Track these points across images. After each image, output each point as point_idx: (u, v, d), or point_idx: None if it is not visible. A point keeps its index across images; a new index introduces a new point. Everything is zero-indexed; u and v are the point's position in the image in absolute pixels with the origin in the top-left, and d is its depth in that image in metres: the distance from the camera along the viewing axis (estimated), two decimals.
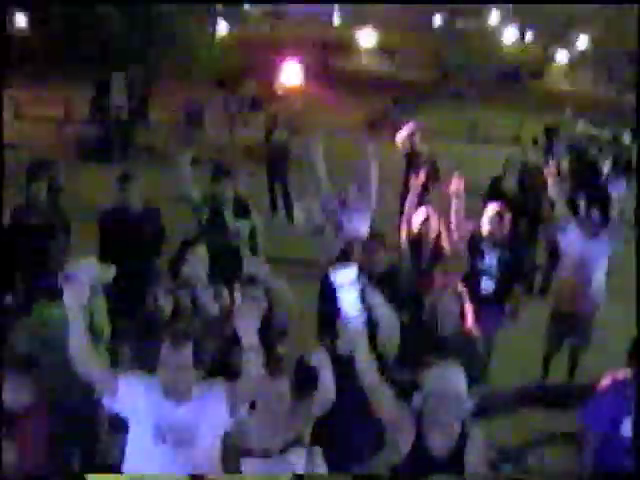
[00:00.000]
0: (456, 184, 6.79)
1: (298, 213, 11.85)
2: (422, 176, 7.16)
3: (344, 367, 4.17)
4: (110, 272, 4.74)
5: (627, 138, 18.20)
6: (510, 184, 9.55)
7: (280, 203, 12.77)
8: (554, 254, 9.27)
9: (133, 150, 17.12)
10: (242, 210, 7.03)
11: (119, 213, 6.82)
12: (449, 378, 3.61)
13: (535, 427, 6.89)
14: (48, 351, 4.70)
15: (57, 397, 4.58)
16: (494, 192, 9.69)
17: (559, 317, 7.35)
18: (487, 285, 6.76)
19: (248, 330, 3.61)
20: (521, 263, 7.59)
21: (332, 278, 3.66)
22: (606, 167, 11.43)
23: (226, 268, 6.32)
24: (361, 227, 7.17)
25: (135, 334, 5.07)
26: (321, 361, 4.33)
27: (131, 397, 3.68)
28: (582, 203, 8.25)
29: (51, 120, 19.66)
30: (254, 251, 6.99)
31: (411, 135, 10.74)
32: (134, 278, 5.81)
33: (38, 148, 14.94)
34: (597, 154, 12.59)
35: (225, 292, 5.29)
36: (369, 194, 7.25)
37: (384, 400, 3.77)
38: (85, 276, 3.72)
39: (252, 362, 3.60)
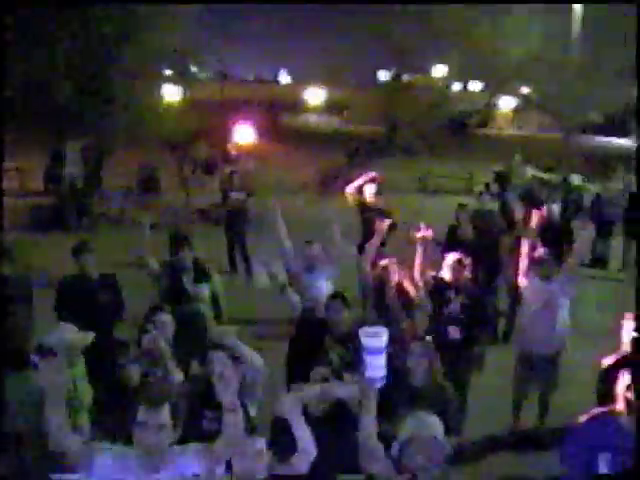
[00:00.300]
0: (423, 232, 6.92)
1: (260, 275, 11.88)
2: (386, 222, 7.27)
3: (327, 424, 4.20)
4: (88, 338, 4.75)
5: (576, 180, 18.57)
6: (466, 232, 9.71)
7: (240, 264, 12.76)
8: (515, 298, 9.38)
9: (88, 218, 17.01)
10: (202, 275, 7.02)
11: (77, 282, 6.80)
12: (425, 426, 3.69)
13: (508, 473, 6.86)
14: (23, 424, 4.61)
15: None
16: (452, 240, 9.85)
17: (525, 361, 7.40)
18: (453, 332, 6.79)
19: (228, 392, 3.64)
20: (484, 309, 7.66)
21: (362, 342, 3.64)
22: (557, 211, 11.64)
23: (190, 334, 6.31)
24: (324, 286, 7.18)
25: (105, 403, 4.98)
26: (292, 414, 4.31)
27: (106, 470, 3.62)
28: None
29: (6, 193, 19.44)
30: (217, 315, 6.97)
31: (364, 186, 10.82)
32: (96, 346, 5.72)
33: None
34: (550, 199, 12.83)
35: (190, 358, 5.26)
36: (331, 252, 7.28)
37: (378, 455, 3.78)
38: (62, 345, 3.71)
39: (232, 423, 3.64)
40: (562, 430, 7.12)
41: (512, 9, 23.59)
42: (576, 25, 27.65)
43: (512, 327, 9.95)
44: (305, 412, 4.29)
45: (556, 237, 8.09)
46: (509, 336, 9.95)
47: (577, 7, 27.46)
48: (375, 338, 3.61)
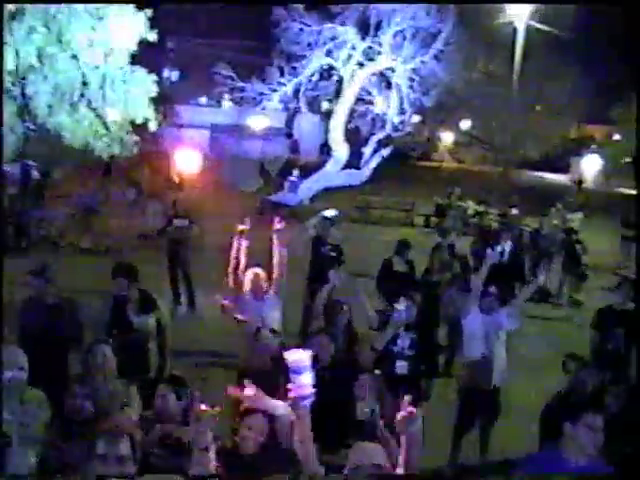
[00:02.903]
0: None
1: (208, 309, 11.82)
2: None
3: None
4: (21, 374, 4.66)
5: (515, 212, 18.92)
6: (402, 266, 9.86)
7: (183, 294, 12.60)
8: (455, 333, 9.51)
9: (27, 240, 16.67)
10: (147, 305, 6.94)
11: (36, 306, 6.61)
12: (369, 454, 3.82)
13: None
14: None
15: None
16: (387, 273, 9.99)
17: (466, 394, 7.48)
18: (401, 367, 6.83)
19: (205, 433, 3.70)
20: (433, 344, 7.75)
21: (287, 360, 3.70)
22: (507, 246, 11.86)
23: (134, 365, 6.24)
24: (276, 318, 7.19)
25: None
26: None
27: None
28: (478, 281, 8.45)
29: None
30: (161, 345, 6.89)
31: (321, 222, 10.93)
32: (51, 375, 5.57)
33: None
34: (497, 233, 13.13)
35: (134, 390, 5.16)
36: (280, 284, 7.26)
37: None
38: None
39: (205, 462, 3.67)
40: (502, 464, 7.30)
41: (456, 44, 24.05)
42: (516, 61, 28.31)
43: (452, 362, 10.10)
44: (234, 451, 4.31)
45: (507, 274, 8.24)
46: (449, 370, 10.08)
47: (519, 43, 28.16)
48: (298, 355, 3.71)
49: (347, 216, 22.25)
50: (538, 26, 29.26)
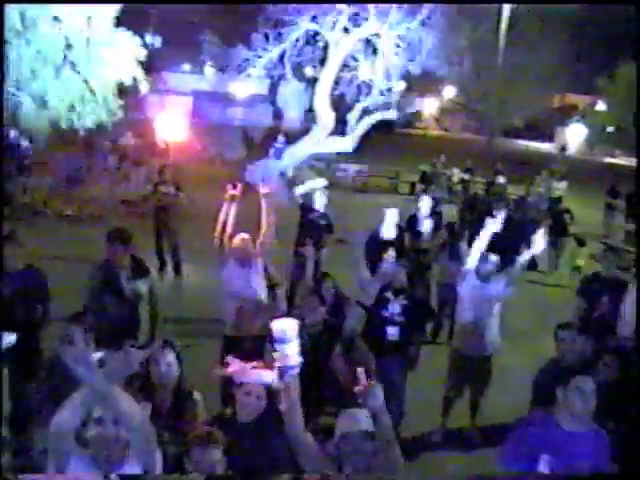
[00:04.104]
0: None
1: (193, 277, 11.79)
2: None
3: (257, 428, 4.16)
4: (10, 338, 4.61)
5: (501, 180, 18.91)
6: (391, 233, 9.84)
7: (168, 262, 12.54)
8: (448, 299, 9.53)
9: (10, 208, 16.50)
10: (140, 271, 6.88)
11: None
12: (357, 420, 3.84)
13: (438, 472, 6.94)
14: None
15: None
16: (374, 241, 9.97)
17: (458, 361, 7.50)
18: (392, 332, 6.84)
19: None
20: (425, 310, 7.75)
21: (273, 329, 3.66)
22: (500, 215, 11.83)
23: (124, 331, 6.20)
24: (261, 285, 7.16)
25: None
26: None
27: None
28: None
29: None
30: (153, 312, 6.85)
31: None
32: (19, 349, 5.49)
33: None
34: (489, 203, 13.11)
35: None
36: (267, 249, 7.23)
37: (309, 449, 3.84)
38: None
39: None
40: (492, 431, 7.35)
41: (442, 12, 23.85)
42: (502, 30, 28.21)
43: (441, 326, 10.15)
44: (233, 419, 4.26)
45: (502, 242, 8.20)
46: (437, 336, 10.14)
47: (505, 12, 28.03)
48: (285, 324, 3.67)
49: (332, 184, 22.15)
50: None
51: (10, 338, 4.75)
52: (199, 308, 9.94)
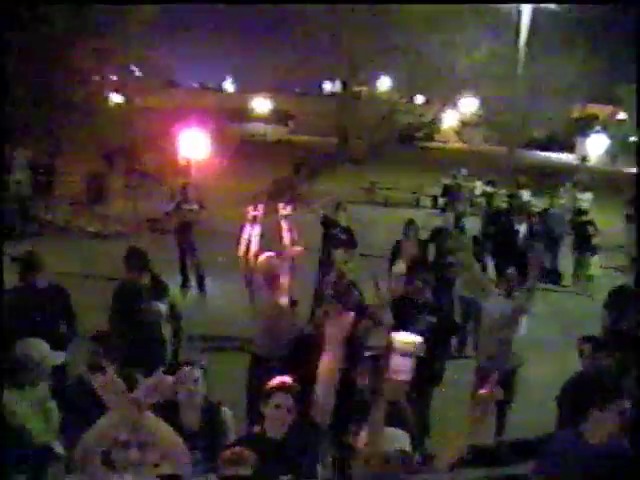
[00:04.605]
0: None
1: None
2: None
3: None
4: (59, 357, 4.68)
5: (525, 196, 18.83)
6: (413, 248, 9.82)
7: (192, 279, 12.60)
8: (471, 313, 9.50)
9: (33, 225, 16.66)
10: (159, 291, 6.91)
11: (24, 292, 6.53)
12: (391, 440, 3.80)
13: None
14: None
15: None
16: (398, 255, 9.97)
17: (483, 375, 7.44)
18: (420, 349, 6.79)
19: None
20: (449, 324, 7.72)
21: (394, 344, 3.67)
22: (522, 229, 11.83)
23: (149, 351, 6.23)
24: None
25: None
26: None
27: None
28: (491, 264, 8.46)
29: None
30: (177, 331, 6.88)
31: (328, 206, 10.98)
32: None
33: None
34: (511, 216, 13.05)
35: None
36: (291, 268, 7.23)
37: None
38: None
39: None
40: (518, 445, 7.25)
41: (461, 25, 23.88)
42: (522, 42, 28.11)
43: (465, 341, 10.10)
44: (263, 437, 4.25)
45: (521, 256, 8.20)
46: (462, 350, 10.08)
47: (524, 23, 27.95)
48: (406, 339, 3.67)
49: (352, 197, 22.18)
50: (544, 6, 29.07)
51: (58, 356, 4.82)
52: (223, 324, 9.96)
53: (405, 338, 3.69)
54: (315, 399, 4.15)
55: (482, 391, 3.78)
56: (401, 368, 3.66)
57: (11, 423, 4.46)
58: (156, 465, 3.13)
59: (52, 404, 4.89)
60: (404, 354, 3.68)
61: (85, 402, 4.68)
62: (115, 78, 23.88)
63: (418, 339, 3.73)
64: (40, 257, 6.70)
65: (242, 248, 6.97)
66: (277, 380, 4.35)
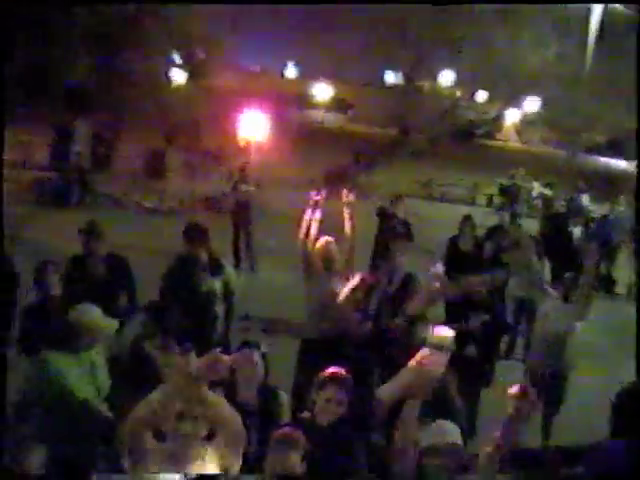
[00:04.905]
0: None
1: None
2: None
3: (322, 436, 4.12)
4: (113, 326, 4.75)
5: (585, 200, 18.54)
6: (468, 245, 9.71)
7: (244, 259, 12.67)
8: (523, 314, 9.37)
9: (91, 197, 16.91)
10: (216, 267, 6.94)
11: (85, 261, 6.62)
12: (446, 432, 3.83)
13: None
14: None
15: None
16: (454, 253, 9.86)
17: (533, 378, 7.36)
18: (470, 349, 6.75)
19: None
20: (501, 325, 7.63)
21: (429, 339, 3.66)
22: (577, 232, 11.63)
23: (201, 327, 6.26)
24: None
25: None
26: None
27: None
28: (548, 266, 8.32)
29: (10, 165, 19.30)
30: (228, 310, 6.91)
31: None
32: None
33: None
34: (568, 219, 12.84)
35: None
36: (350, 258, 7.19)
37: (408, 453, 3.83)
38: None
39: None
40: (565, 451, 7.15)
41: (530, 22, 23.48)
42: (591, 43, 27.60)
43: (515, 343, 9.97)
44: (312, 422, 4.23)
45: (576, 260, 8.06)
46: (512, 352, 9.95)
47: (594, 24, 27.41)
48: (443, 333, 3.66)
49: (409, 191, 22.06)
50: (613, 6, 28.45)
51: (111, 323, 4.89)
52: (274, 307, 9.97)
53: (440, 332, 3.64)
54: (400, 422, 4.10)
55: (513, 390, 3.73)
56: (436, 362, 3.62)
57: (63, 389, 4.52)
58: (209, 438, 3.12)
59: (104, 372, 4.95)
60: (438, 347, 3.63)
61: (138, 373, 4.77)
62: (179, 59, 24.15)
63: (451, 333, 3.67)
64: (102, 226, 6.79)
65: (302, 231, 6.95)
66: (330, 371, 4.32)
